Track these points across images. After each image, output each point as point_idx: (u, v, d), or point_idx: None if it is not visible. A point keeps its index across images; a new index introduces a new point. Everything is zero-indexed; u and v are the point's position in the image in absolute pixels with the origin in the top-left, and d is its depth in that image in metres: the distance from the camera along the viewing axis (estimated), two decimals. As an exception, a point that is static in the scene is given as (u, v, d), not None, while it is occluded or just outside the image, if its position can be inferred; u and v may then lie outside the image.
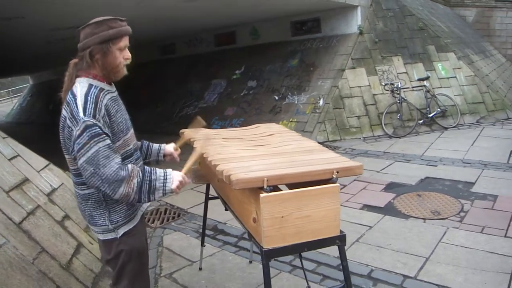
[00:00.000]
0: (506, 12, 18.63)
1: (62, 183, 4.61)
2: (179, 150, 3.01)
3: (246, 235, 4.94)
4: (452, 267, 4.06)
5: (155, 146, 2.96)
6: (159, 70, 16.16)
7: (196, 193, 6.40)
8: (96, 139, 2.16)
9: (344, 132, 9.76)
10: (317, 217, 2.20)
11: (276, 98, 11.34)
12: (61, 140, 2.34)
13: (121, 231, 2.46)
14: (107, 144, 2.20)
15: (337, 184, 2.23)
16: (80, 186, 2.42)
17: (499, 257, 4.20)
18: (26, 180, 4.07)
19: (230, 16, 11.11)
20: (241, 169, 2.25)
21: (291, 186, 2.40)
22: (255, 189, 2.18)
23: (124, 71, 2.43)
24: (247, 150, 2.74)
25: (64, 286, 3.44)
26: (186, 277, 4.13)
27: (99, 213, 2.42)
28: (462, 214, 5.27)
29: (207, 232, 4.96)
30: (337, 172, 2.23)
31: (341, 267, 4.07)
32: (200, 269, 4.24)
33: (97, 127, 2.18)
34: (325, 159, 2.46)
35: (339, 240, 2.30)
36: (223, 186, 2.83)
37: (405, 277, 3.94)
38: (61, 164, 4.80)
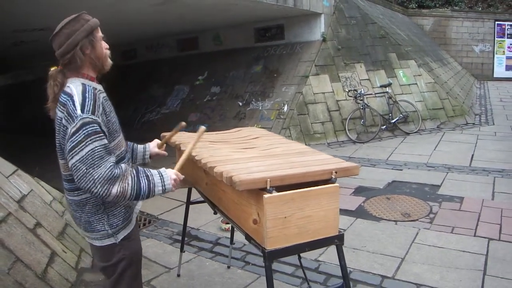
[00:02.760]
0: (462, 22, 19.31)
1: (32, 190, 4.46)
2: (164, 146, 2.98)
3: (220, 241, 4.94)
4: (427, 266, 4.16)
5: (140, 148, 2.89)
6: (120, 75, 15.88)
7: (166, 199, 6.32)
8: (92, 137, 2.07)
9: (309, 137, 9.84)
10: (318, 217, 2.21)
11: (240, 104, 11.34)
12: (57, 144, 2.25)
13: (120, 236, 2.38)
14: (104, 144, 2.11)
15: (337, 184, 2.25)
16: (75, 192, 2.32)
17: (471, 255, 4.34)
18: (-5, 186, 3.92)
19: (195, 21, 11.06)
20: (241, 170, 2.23)
21: (280, 189, 2.39)
22: (256, 191, 2.16)
23: (110, 60, 2.41)
24: (238, 153, 2.72)
25: (41, 297, 3.34)
26: (164, 284, 4.06)
27: (97, 218, 2.33)
28: (431, 215, 5.40)
29: (180, 238, 4.92)
30: (336, 172, 2.25)
31: (320, 269, 4.19)
32: (178, 275, 4.18)
33: (95, 125, 2.10)
34: (320, 160, 2.48)
35: (338, 240, 2.31)
36: (213, 189, 2.79)
37: (383, 277, 4.01)
38: (27, 170, 4.67)
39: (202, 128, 2.62)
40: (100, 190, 2.07)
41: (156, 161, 2.99)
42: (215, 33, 13.16)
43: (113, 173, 2.09)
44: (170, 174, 2.32)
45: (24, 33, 9.41)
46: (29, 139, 14.31)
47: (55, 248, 4.01)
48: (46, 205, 4.49)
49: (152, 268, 4.38)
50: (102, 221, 2.33)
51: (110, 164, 2.10)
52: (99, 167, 2.06)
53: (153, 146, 2.93)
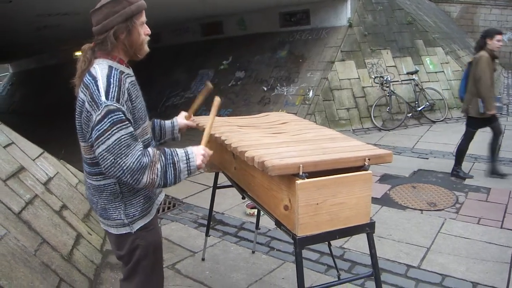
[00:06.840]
0: (490, 9, 18.87)
1: (57, 172, 4.50)
2: (192, 116, 2.90)
3: (245, 226, 4.94)
4: (453, 257, 4.10)
5: (168, 123, 2.80)
6: (144, 59, 15.85)
7: (190, 183, 6.33)
8: (118, 125, 2.01)
9: (334, 124, 9.75)
10: (350, 204, 2.18)
11: (265, 89, 11.30)
12: (77, 126, 2.18)
13: (136, 226, 2.31)
14: (130, 132, 2.05)
15: (370, 172, 2.20)
16: (94, 177, 2.26)
17: (497, 247, 4.27)
18: (22, 169, 3.95)
19: (219, 5, 10.97)
20: (272, 155, 2.18)
21: (310, 175, 2.34)
22: (288, 176, 2.11)
23: (147, 48, 2.32)
24: (268, 137, 2.67)
25: (67, 278, 3.36)
26: (189, 267, 4.08)
27: (114, 206, 2.27)
28: (457, 205, 5.33)
29: (205, 222, 4.91)
30: (369, 159, 2.20)
31: (345, 257, 4.15)
32: (203, 259, 4.19)
33: (120, 113, 2.03)
34: (353, 147, 2.42)
35: (369, 228, 2.28)
36: (242, 174, 2.76)
37: (409, 266, 3.97)
38: (52, 153, 4.70)
39: (217, 98, 2.52)
40: (129, 179, 2.04)
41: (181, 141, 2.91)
42: (240, 17, 13.07)
43: (142, 163, 2.04)
44: (198, 152, 2.25)
45: (48, 17, 9.41)
46: (53, 122, 14.44)
47: (80, 230, 4.05)
48: (72, 187, 4.53)
49: (176, 252, 4.41)
50: (119, 209, 2.27)
51: (139, 153, 2.05)
52: (127, 156, 2.02)
53: (180, 119, 2.86)
